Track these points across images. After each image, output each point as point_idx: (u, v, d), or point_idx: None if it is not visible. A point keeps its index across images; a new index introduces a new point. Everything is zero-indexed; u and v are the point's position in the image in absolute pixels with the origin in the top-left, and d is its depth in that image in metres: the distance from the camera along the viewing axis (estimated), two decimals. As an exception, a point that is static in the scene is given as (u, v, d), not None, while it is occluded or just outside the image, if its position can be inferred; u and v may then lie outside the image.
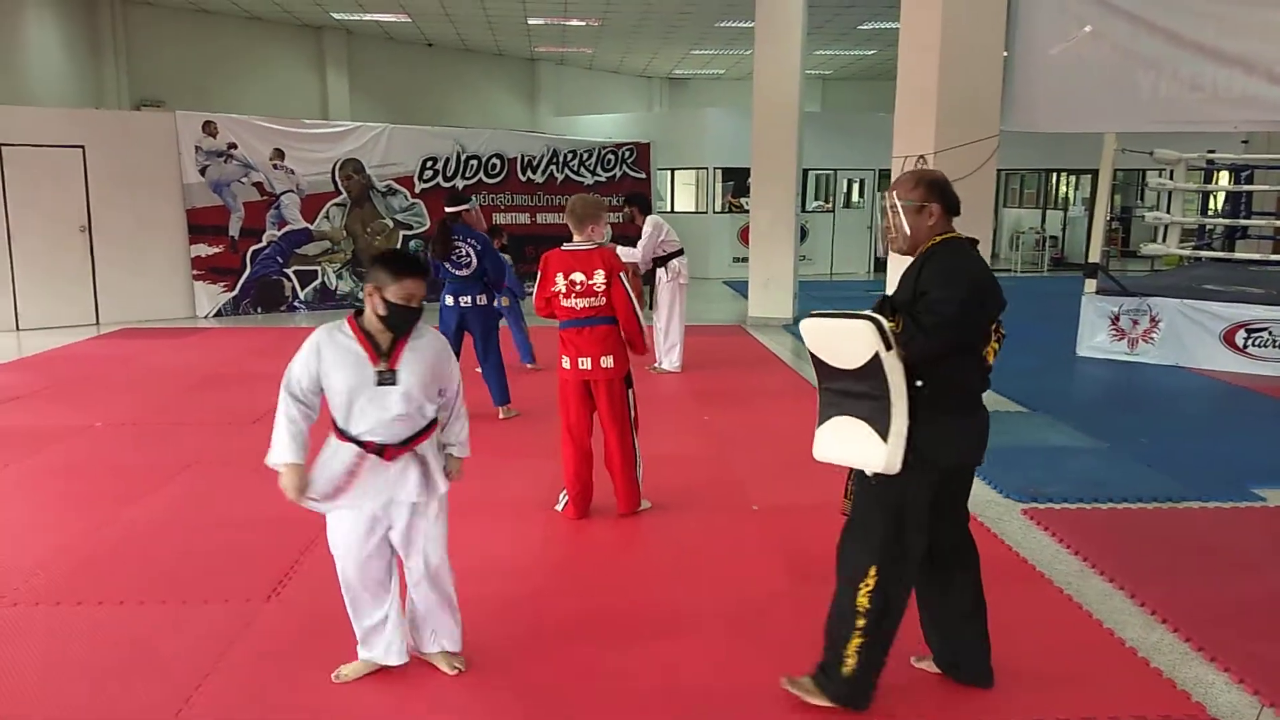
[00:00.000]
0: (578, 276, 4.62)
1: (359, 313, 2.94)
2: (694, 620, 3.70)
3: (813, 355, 2.95)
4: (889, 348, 2.73)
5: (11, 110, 10.88)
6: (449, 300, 6.69)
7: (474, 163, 13.92)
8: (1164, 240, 11.56)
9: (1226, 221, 12.00)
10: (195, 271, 11.80)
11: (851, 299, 13.70)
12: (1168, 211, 11.66)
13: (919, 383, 2.80)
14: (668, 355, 8.56)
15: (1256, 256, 11.34)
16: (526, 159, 14.57)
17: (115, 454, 6.02)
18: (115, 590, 3.94)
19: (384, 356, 2.90)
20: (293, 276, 12.51)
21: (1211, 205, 14.49)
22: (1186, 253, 11.64)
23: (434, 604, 3.18)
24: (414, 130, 13.76)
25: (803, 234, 14.44)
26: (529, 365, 8.52)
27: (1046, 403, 7.32)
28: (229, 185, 11.88)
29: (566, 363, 4.70)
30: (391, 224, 13.25)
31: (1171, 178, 11.14)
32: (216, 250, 11.90)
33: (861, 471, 2.92)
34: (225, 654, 3.40)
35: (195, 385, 7.99)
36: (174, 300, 11.72)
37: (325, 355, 2.90)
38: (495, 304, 6.95)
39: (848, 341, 2.82)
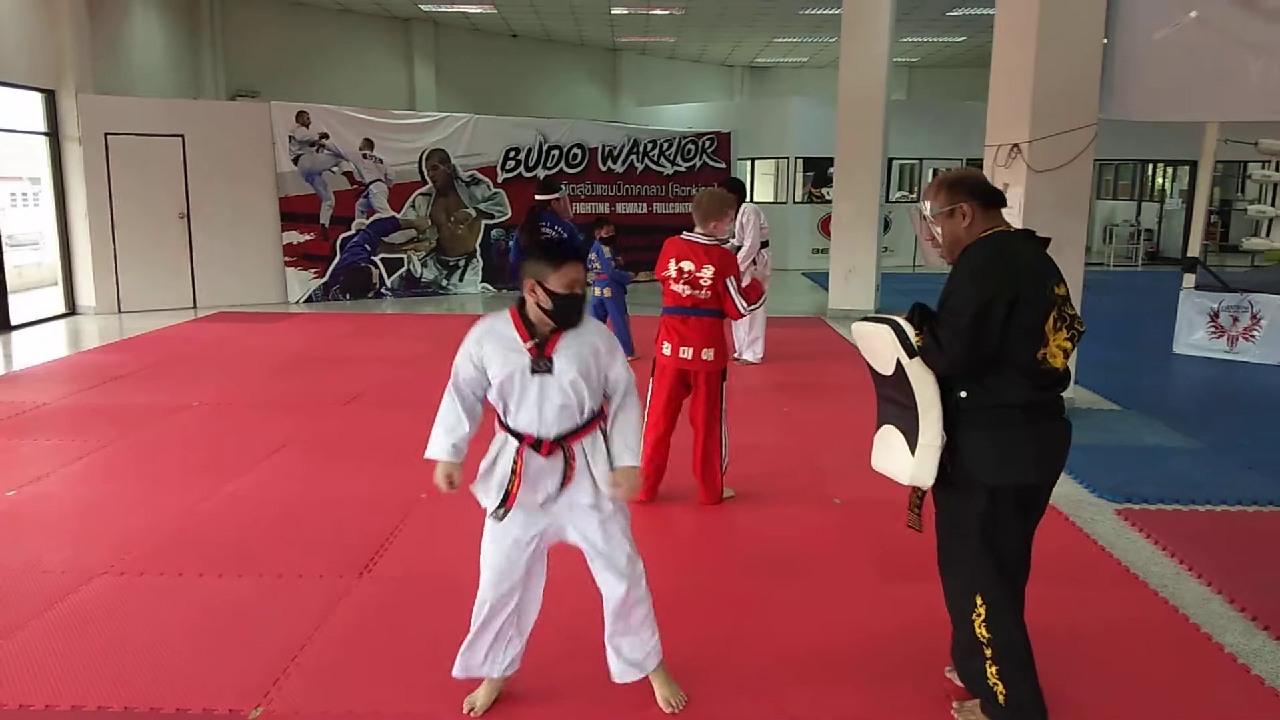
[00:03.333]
0: (687, 265, 4.67)
1: (521, 304, 2.85)
2: (780, 611, 3.69)
3: (865, 360, 2.89)
4: (911, 355, 2.65)
5: (117, 101, 11.33)
6: None
7: (555, 153, 14.05)
8: (1267, 234, 11.09)
9: (1335, 215, 11.43)
10: (287, 258, 12.16)
11: (935, 293, 13.52)
12: (1272, 204, 11.18)
13: (962, 393, 2.67)
14: (750, 347, 8.53)
15: (1368, 252, 10.82)
16: (607, 149, 14.64)
17: (212, 432, 6.24)
18: (213, 563, 4.09)
19: (541, 345, 2.80)
20: (380, 264, 12.80)
21: (1320, 198, 13.81)
22: (1292, 247, 11.14)
23: (634, 622, 2.98)
24: (497, 121, 13.94)
25: (885, 225, 14.21)
26: (628, 356, 8.55)
27: (1141, 401, 7.09)
28: (320, 174, 12.20)
29: (667, 349, 4.73)
30: (474, 213, 13.46)
31: (1276, 169, 10.68)
32: (307, 238, 12.24)
33: (936, 488, 2.78)
34: (320, 627, 3.51)
35: (288, 368, 8.24)
36: (267, 286, 12.10)
37: (486, 345, 2.82)
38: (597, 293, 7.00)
39: (876, 345, 2.75)
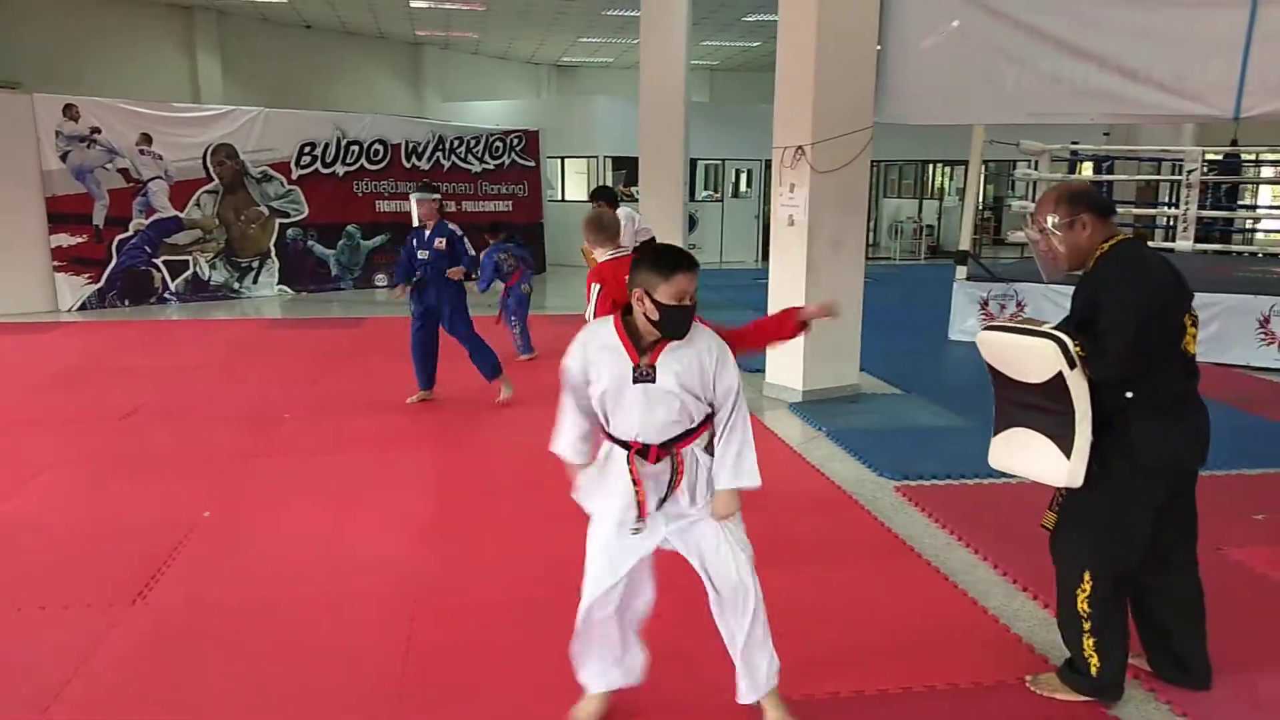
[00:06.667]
0: None
1: (627, 310, 2.75)
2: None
3: (989, 366, 3.00)
4: (1073, 366, 2.77)
5: None
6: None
7: (355, 148, 13.58)
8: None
9: (1088, 210, 12.63)
10: (56, 263, 11.19)
11: (740, 287, 13.99)
12: (1034, 201, 12.21)
13: (1128, 394, 2.83)
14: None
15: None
16: (411, 145, 14.28)
17: (-33, 456, 5.67)
18: (-35, 599, 3.73)
19: (644, 353, 2.70)
20: (163, 267, 11.99)
21: (1074, 195, 15.18)
22: (1051, 240, 12.17)
23: (753, 640, 2.87)
24: (290, 114, 13.32)
25: (692, 223, 14.58)
26: (527, 356, 8.46)
27: (919, 384, 7.58)
28: (92, 172, 11.30)
29: None
30: (267, 211, 12.83)
31: (1036, 168, 11.65)
32: (80, 240, 11.31)
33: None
34: (87, 660, 3.25)
35: (57, 382, 7.58)
36: (33, 293, 11.07)
37: (591, 351, 2.74)
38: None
39: (1029, 358, 2.86)
